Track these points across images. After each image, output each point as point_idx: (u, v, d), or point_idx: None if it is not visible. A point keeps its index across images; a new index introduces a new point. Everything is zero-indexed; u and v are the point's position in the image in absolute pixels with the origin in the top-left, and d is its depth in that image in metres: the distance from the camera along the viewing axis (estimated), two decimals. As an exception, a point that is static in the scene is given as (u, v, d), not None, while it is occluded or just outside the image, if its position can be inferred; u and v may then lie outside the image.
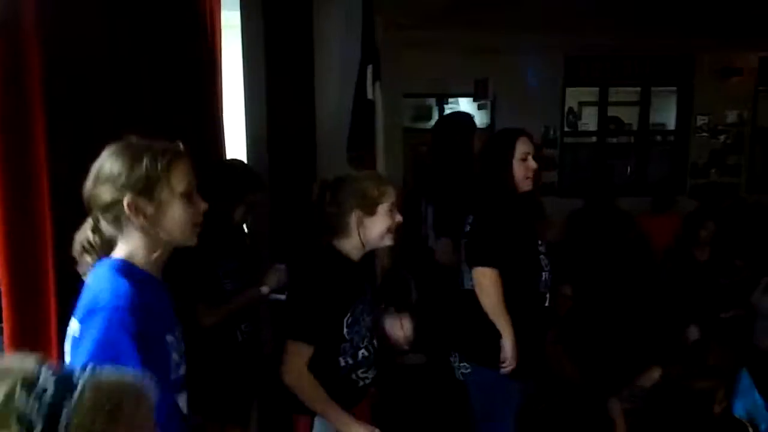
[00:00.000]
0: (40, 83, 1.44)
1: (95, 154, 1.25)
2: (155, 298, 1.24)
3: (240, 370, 2.29)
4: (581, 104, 7.50)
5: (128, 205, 1.20)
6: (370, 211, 1.80)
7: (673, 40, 6.27)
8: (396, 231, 1.87)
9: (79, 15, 1.62)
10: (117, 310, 1.12)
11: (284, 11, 3.03)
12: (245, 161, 2.88)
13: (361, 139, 3.07)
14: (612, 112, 7.29)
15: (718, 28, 5.60)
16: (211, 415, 2.17)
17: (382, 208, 1.81)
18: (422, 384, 3.30)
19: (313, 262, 1.87)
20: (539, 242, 2.30)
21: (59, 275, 1.36)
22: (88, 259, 1.25)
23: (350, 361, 1.83)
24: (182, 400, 1.32)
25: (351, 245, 1.83)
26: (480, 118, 6.77)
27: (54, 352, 1.39)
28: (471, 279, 2.25)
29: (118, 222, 1.23)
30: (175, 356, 1.26)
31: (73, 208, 1.27)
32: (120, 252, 1.25)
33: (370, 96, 3.06)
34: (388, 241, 1.86)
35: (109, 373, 0.76)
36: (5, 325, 1.38)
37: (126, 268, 1.22)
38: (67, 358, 1.18)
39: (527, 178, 2.29)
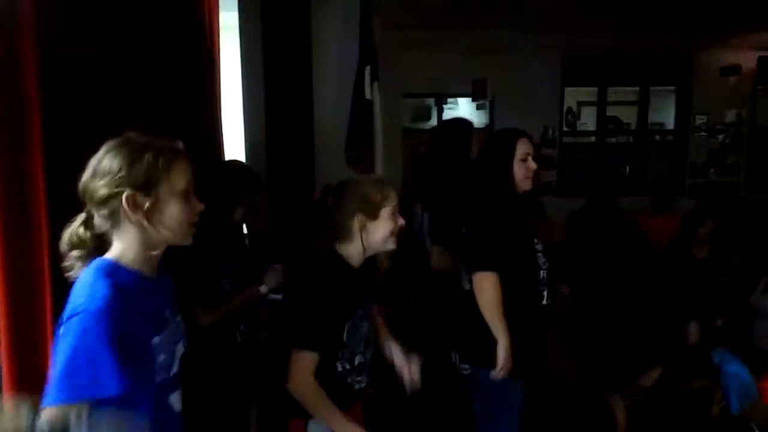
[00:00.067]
0: (36, 83, 1.44)
1: (91, 154, 1.24)
2: (142, 300, 1.22)
3: (239, 370, 2.29)
4: (580, 104, 7.51)
5: (127, 199, 1.20)
6: (373, 215, 1.79)
7: (671, 40, 6.28)
8: (398, 234, 1.87)
9: (75, 15, 1.62)
10: (93, 314, 1.11)
11: (282, 12, 3.03)
12: (244, 162, 2.89)
13: (359, 139, 3.07)
14: (611, 111, 7.30)
15: (717, 28, 5.61)
16: (211, 415, 2.17)
17: (385, 212, 1.80)
18: (421, 384, 3.29)
19: (314, 267, 1.85)
20: (535, 241, 2.30)
21: (55, 274, 1.36)
22: (75, 254, 1.23)
23: (347, 366, 1.83)
24: (175, 398, 1.32)
25: (353, 249, 1.82)
26: (479, 118, 6.79)
27: (49, 352, 1.38)
28: (469, 281, 2.25)
29: (113, 217, 1.22)
30: (163, 357, 1.24)
31: (69, 207, 1.26)
32: (112, 250, 1.25)
33: (368, 96, 3.07)
34: (390, 245, 1.85)
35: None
36: (1, 325, 1.38)
37: (111, 270, 1.21)
38: None
39: (527, 178, 2.29)
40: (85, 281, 1.19)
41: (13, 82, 1.38)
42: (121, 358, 1.11)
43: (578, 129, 7.42)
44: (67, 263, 1.23)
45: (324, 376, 1.75)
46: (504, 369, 2.15)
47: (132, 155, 1.22)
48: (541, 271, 2.25)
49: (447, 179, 2.86)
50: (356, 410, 1.90)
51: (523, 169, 2.27)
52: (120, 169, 1.20)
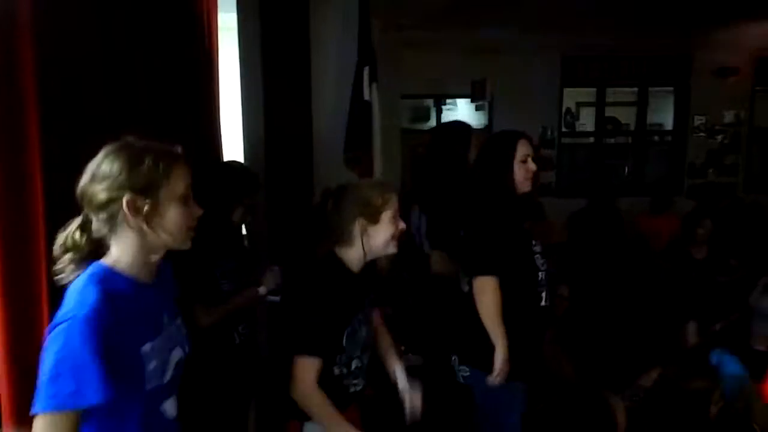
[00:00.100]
0: (34, 83, 1.43)
1: (90, 156, 1.24)
2: (135, 306, 1.22)
3: (237, 371, 2.29)
4: (579, 105, 7.52)
5: (127, 203, 1.19)
6: (374, 219, 1.78)
7: (670, 40, 6.29)
8: (399, 238, 1.86)
9: (74, 15, 1.62)
10: (80, 322, 1.11)
11: (281, 13, 3.03)
12: (243, 162, 2.89)
13: (357, 140, 3.07)
14: (609, 112, 7.31)
15: (715, 28, 5.62)
16: (209, 416, 2.17)
17: (386, 216, 1.79)
18: (421, 386, 3.30)
19: (314, 272, 1.84)
20: (534, 242, 2.30)
21: (52, 277, 1.36)
22: (67, 257, 1.22)
23: (344, 370, 1.82)
24: (169, 405, 1.31)
25: (354, 254, 1.81)
26: (478, 119, 6.80)
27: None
28: (468, 284, 2.25)
29: (112, 222, 1.22)
30: (154, 365, 1.23)
31: (67, 208, 1.26)
32: (108, 255, 1.24)
33: (366, 97, 3.07)
34: (391, 249, 1.84)
35: None
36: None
37: (104, 276, 1.20)
38: None
39: (527, 179, 2.29)
40: (76, 287, 1.18)
41: (11, 83, 1.38)
42: (107, 367, 1.10)
43: (577, 130, 7.43)
44: (58, 267, 1.22)
45: (320, 379, 1.74)
46: (501, 375, 2.15)
47: (132, 159, 1.21)
48: (540, 273, 2.25)
49: (445, 182, 2.86)
50: (352, 413, 1.90)
51: (523, 171, 2.27)
52: (120, 173, 1.20)
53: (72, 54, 1.61)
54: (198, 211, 1.32)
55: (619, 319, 3.62)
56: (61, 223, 1.26)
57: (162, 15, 2.14)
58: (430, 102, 7.18)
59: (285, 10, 3.04)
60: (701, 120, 7.08)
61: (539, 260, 2.28)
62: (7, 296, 1.37)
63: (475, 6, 4.76)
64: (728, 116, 7.11)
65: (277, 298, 2.33)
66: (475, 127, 3.17)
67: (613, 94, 7.22)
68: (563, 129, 7.10)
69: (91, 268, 1.21)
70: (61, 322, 1.13)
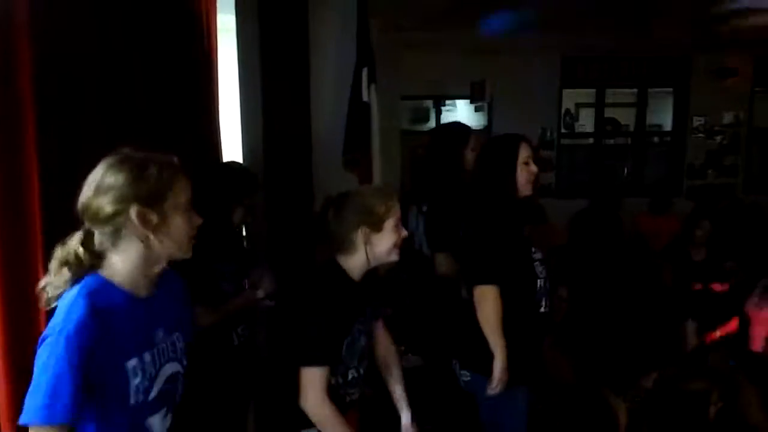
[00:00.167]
0: (31, 87, 1.43)
1: (88, 158, 1.24)
2: (125, 321, 1.21)
3: (236, 373, 2.29)
4: (578, 105, 7.52)
5: (137, 215, 1.20)
6: (377, 227, 1.77)
7: (669, 41, 6.29)
8: (402, 245, 1.84)
9: (72, 17, 1.62)
10: (64, 339, 1.11)
11: (279, 14, 3.03)
12: (242, 163, 2.88)
13: (356, 142, 3.07)
14: (609, 113, 7.31)
15: (715, 29, 5.61)
16: (208, 417, 2.17)
17: (389, 224, 1.78)
18: (420, 387, 3.30)
19: (315, 280, 1.84)
20: (533, 250, 2.30)
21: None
22: (65, 272, 1.21)
23: (340, 381, 1.82)
24: (156, 420, 1.30)
25: (356, 262, 1.80)
26: (477, 120, 6.80)
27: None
28: (467, 291, 2.25)
29: (116, 235, 1.21)
30: (138, 380, 1.22)
31: (64, 210, 1.26)
32: (106, 268, 1.23)
33: (365, 98, 3.07)
34: (394, 257, 1.83)
35: None
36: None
37: (96, 290, 1.19)
38: None
39: (529, 182, 2.29)
40: (67, 299, 1.18)
41: (8, 84, 1.38)
42: (81, 387, 1.11)
43: (576, 131, 7.43)
44: (56, 281, 1.21)
45: None
46: (500, 384, 2.15)
47: (137, 170, 1.21)
48: (539, 281, 2.25)
49: (443, 182, 2.87)
50: (350, 419, 1.89)
51: (525, 173, 2.27)
52: (126, 185, 1.20)
53: (70, 55, 1.61)
54: (198, 220, 1.32)
55: (618, 320, 3.62)
56: (59, 226, 1.26)
57: (161, 16, 2.14)
58: (429, 103, 7.18)
59: (283, 12, 3.04)
60: (700, 121, 7.08)
61: (539, 267, 2.27)
62: (5, 300, 1.37)
63: (474, 8, 4.76)
64: (727, 117, 7.12)
65: (271, 303, 2.33)
66: (474, 128, 3.17)
67: (612, 95, 7.23)
68: (563, 130, 7.10)
69: (85, 281, 1.21)
70: (48, 336, 1.14)
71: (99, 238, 1.22)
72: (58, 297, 1.20)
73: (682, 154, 7.18)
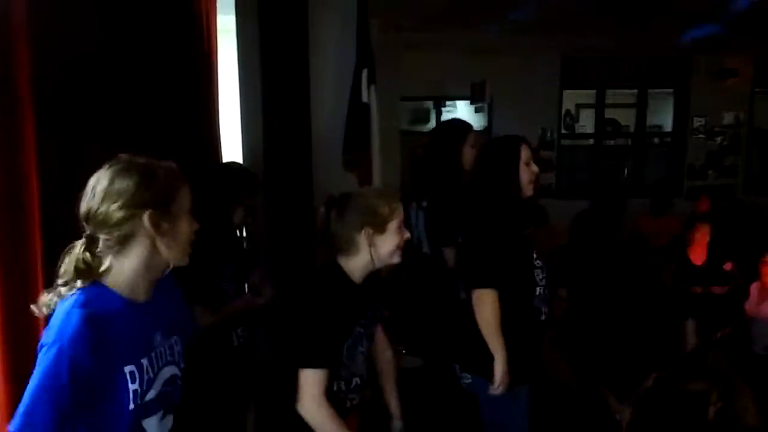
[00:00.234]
0: (30, 88, 1.43)
1: (87, 159, 1.25)
2: (122, 328, 1.21)
3: (236, 373, 2.29)
4: (578, 106, 7.52)
5: (150, 219, 1.20)
6: (381, 229, 1.75)
7: (669, 42, 6.29)
8: (404, 247, 1.83)
9: (71, 17, 1.62)
10: (56, 349, 1.11)
11: (279, 15, 3.04)
12: (241, 163, 2.89)
13: (356, 143, 3.07)
14: (609, 114, 7.31)
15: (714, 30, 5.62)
16: (207, 418, 2.17)
17: (392, 225, 1.77)
18: (419, 387, 3.30)
19: (316, 282, 1.83)
20: (535, 256, 2.29)
21: (48, 279, 1.36)
22: (79, 283, 1.20)
23: (343, 387, 1.80)
24: (152, 422, 1.30)
25: (358, 263, 1.78)
26: (477, 121, 6.79)
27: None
28: (465, 292, 2.25)
29: (124, 240, 1.22)
30: (136, 386, 1.23)
31: (64, 213, 1.26)
32: (107, 275, 1.23)
33: (365, 99, 3.07)
34: (396, 259, 1.81)
35: None
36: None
37: (92, 298, 1.19)
38: None
39: (531, 182, 2.29)
40: (63, 308, 1.18)
41: (7, 85, 1.38)
42: (71, 398, 1.11)
43: (577, 131, 7.43)
44: (63, 290, 1.20)
45: None
46: (502, 386, 2.15)
47: (146, 176, 1.22)
48: (538, 288, 2.25)
49: (442, 178, 2.88)
50: (350, 423, 1.89)
51: (527, 174, 2.27)
52: (137, 190, 1.20)
53: (69, 56, 1.61)
54: (196, 225, 1.33)
55: (618, 321, 3.63)
56: (58, 228, 1.26)
57: (161, 17, 2.14)
58: (429, 104, 7.18)
59: (283, 12, 3.04)
60: (701, 121, 7.08)
61: (539, 275, 2.27)
62: (4, 302, 1.37)
63: (474, 8, 4.76)
64: (728, 118, 7.12)
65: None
66: (475, 128, 3.18)
67: (612, 95, 7.23)
68: (563, 131, 7.11)
69: (83, 290, 1.20)
70: (41, 346, 1.14)
71: (105, 243, 1.22)
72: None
73: (683, 155, 7.17)
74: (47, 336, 1.15)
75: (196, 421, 1.95)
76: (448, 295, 2.53)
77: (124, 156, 1.25)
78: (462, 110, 7.21)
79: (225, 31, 2.95)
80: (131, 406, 1.22)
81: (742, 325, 3.68)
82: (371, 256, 1.76)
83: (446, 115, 7.11)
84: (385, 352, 2.06)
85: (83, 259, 1.21)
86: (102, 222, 1.20)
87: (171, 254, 1.27)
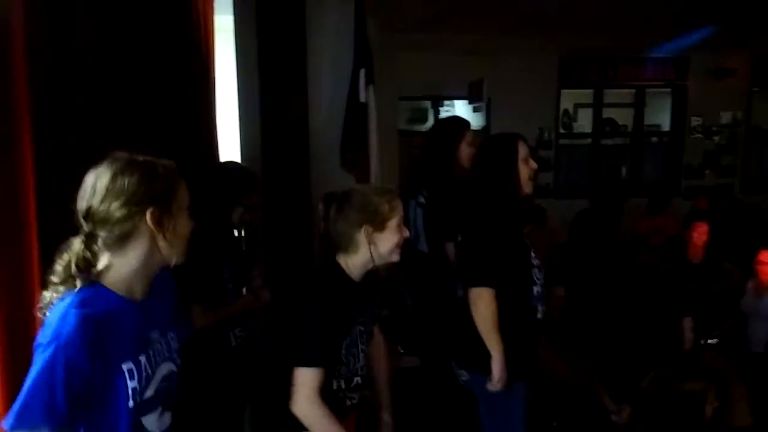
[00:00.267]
0: (26, 88, 1.42)
1: (85, 159, 1.24)
2: (120, 326, 1.21)
3: (233, 374, 2.29)
4: (576, 106, 7.53)
5: (152, 217, 1.21)
6: (380, 227, 1.74)
7: (667, 42, 6.30)
8: (403, 245, 1.82)
9: (68, 16, 1.61)
10: (55, 348, 1.11)
11: (277, 15, 3.03)
12: (239, 163, 2.89)
13: (353, 143, 3.08)
14: (607, 113, 7.31)
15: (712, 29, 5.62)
16: (205, 418, 2.17)
17: (392, 224, 1.76)
18: (417, 387, 3.31)
19: (315, 280, 1.83)
20: (532, 255, 2.30)
21: (44, 278, 1.36)
22: (79, 281, 1.20)
23: (343, 386, 1.79)
24: (151, 419, 1.30)
25: (357, 261, 1.77)
26: (475, 121, 6.80)
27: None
28: (463, 290, 2.25)
29: (124, 238, 1.22)
30: (135, 383, 1.23)
31: (61, 213, 1.25)
32: (102, 274, 1.23)
33: (362, 99, 3.07)
34: (395, 257, 1.80)
35: None
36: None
37: (89, 298, 1.19)
38: None
39: (530, 179, 2.29)
40: (57, 311, 1.17)
41: (2, 84, 1.38)
42: (67, 397, 1.11)
43: (574, 131, 7.43)
44: (61, 288, 1.20)
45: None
46: (500, 382, 2.16)
47: (147, 173, 1.22)
48: (535, 288, 2.25)
49: (439, 173, 2.88)
50: (349, 424, 1.88)
51: (526, 170, 2.27)
52: (140, 188, 1.20)
53: (66, 55, 1.60)
54: (192, 224, 1.33)
55: (616, 319, 3.63)
56: (54, 225, 1.26)
57: (158, 17, 2.14)
58: (427, 104, 7.18)
59: (281, 12, 3.04)
60: (698, 121, 7.09)
61: (536, 274, 2.27)
62: (1, 301, 1.36)
63: (471, 9, 4.77)
64: (725, 117, 7.13)
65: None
66: (472, 128, 3.18)
67: (610, 95, 7.24)
68: (561, 130, 7.11)
69: (80, 290, 1.20)
70: (38, 345, 1.14)
71: (104, 241, 1.22)
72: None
73: (680, 154, 7.19)
74: (43, 336, 1.15)
75: (195, 421, 1.95)
76: (446, 292, 2.54)
77: (121, 153, 1.25)
78: (460, 110, 7.20)
79: (222, 31, 2.94)
80: (131, 403, 1.22)
81: (739, 324, 3.69)
82: (371, 254, 1.75)
83: (444, 115, 7.12)
84: (378, 344, 2.06)
85: (83, 256, 1.21)
86: (103, 219, 1.20)
87: (171, 252, 1.27)
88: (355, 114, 3.08)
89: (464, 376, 2.35)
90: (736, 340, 3.66)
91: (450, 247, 2.77)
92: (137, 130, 1.90)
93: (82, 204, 1.21)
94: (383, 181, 3.40)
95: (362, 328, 1.83)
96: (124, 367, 1.22)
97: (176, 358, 1.39)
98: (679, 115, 7.20)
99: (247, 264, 2.46)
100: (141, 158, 1.25)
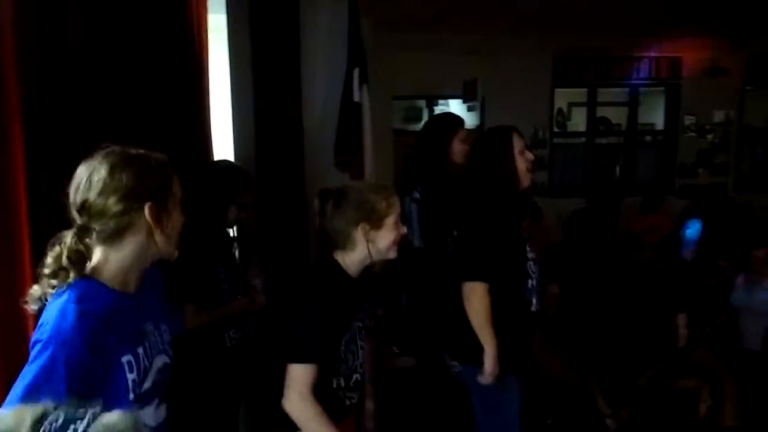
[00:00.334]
0: (17, 86, 1.41)
1: (76, 158, 1.23)
2: (116, 320, 1.21)
3: (228, 375, 2.29)
4: (570, 105, 7.54)
5: (150, 211, 1.21)
6: (378, 224, 1.74)
7: (660, 41, 6.32)
8: (400, 242, 1.82)
9: (60, 14, 1.60)
10: (54, 345, 1.10)
11: (270, 14, 3.03)
12: (232, 161, 2.88)
13: (347, 143, 3.07)
14: (601, 112, 7.33)
15: (705, 29, 5.65)
16: (199, 419, 2.17)
17: (389, 221, 1.76)
18: (412, 386, 3.31)
19: (312, 276, 1.82)
20: (528, 248, 2.30)
21: (36, 277, 1.35)
22: (72, 274, 1.19)
23: (342, 384, 1.78)
24: (148, 412, 1.29)
25: (354, 258, 1.77)
26: (469, 120, 6.80)
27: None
28: (458, 283, 2.25)
29: (120, 233, 1.21)
30: (134, 376, 1.23)
31: (52, 210, 1.25)
32: (95, 267, 1.22)
33: (357, 99, 3.07)
34: (392, 254, 1.80)
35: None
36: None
37: (85, 293, 1.18)
38: None
39: (528, 171, 2.28)
40: (56, 305, 1.16)
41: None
42: (82, 385, 1.11)
43: (568, 130, 7.45)
44: (54, 281, 1.18)
45: (318, 390, 1.68)
46: (491, 376, 2.16)
47: (144, 167, 1.22)
48: (530, 281, 2.25)
49: (432, 169, 2.89)
50: (348, 425, 1.88)
51: (523, 163, 2.27)
52: (135, 182, 1.20)
53: (58, 53, 1.59)
54: (184, 218, 1.33)
55: (611, 317, 3.64)
56: (45, 222, 1.25)
57: (151, 16, 2.13)
58: (422, 103, 7.18)
59: (274, 11, 3.04)
60: (691, 119, 7.11)
61: (532, 267, 2.28)
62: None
63: (466, 8, 4.77)
64: (718, 116, 7.15)
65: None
66: (467, 127, 3.19)
67: (604, 94, 7.25)
68: (555, 129, 7.12)
69: (74, 285, 1.19)
70: (36, 342, 1.13)
71: (99, 235, 1.21)
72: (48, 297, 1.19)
73: (674, 153, 7.20)
74: (41, 332, 1.14)
75: (189, 419, 1.95)
76: (440, 287, 2.54)
77: (114, 146, 1.24)
78: (454, 109, 7.18)
79: (216, 30, 2.94)
80: (131, 396, 1.22)
81: (730, 319, 3.70)
82: (368, 251, 1.75)
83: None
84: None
85: (75, 249, 1.20)
86: (99, 213, 1.19)
87: (164, 245, 1.27)
88: (349, 113, 3.08)
89: (457, 367, 2.35)
90: (728, 336, 3.68)
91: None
92: (130, 130, 1.89)
93: (76, 197, 1.20)
94: (378, 180, 3.40)
95: (360, 324, 1.82)
96: (123, 359, 1.21)
97: (169, 350, 1.39)
98: (672, 114, 7.21)
99: (242, 264, 2.46)
100: (135, 151, 1.25)
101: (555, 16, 5.10)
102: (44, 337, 1.12)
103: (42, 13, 1.52)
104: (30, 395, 1.09)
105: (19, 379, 1.11)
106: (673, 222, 5.35)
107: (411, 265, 2.98)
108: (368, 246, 1.74)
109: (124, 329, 1.23)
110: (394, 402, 3.24)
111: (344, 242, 1.76)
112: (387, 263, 1.88)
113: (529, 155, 2.29)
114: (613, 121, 7.50)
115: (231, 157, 3.08)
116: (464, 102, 6.61)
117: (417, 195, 2.96)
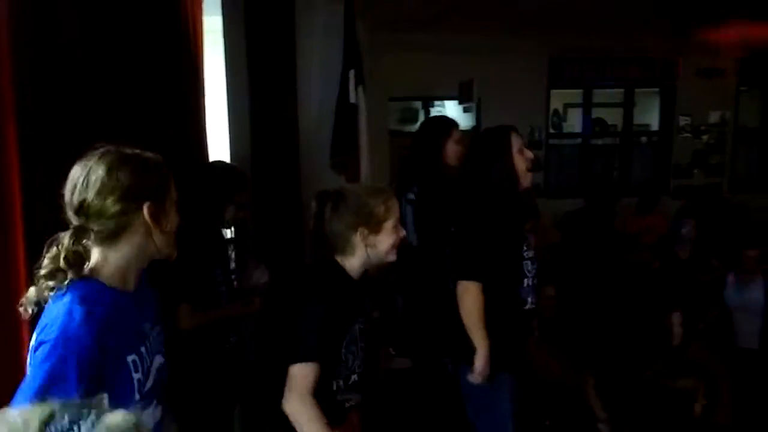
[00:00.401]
0: (11, 88, 1.41)
1: (72, 158, 1.22)
2: (119, 320, 1.20)
3: (223, 375, 2.28)
4: (566, 106, 7.55)
5: (149, 211, 1.21)
6: (376, 229, 1.73)
7: (656, 42, 6.34)
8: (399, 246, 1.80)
9: (55, 15, 1.60)
10: (63, 346, 1.09)
11: (266, 16, 3.03)
12: (227, 162, 2.87)
13: (343, 145, 3.07)
14: (596, 113, 7.35)
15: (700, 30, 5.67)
16: (195, 419, 2.16)
17: (388, 225, 1.75)
18: (408, 388, 3.31)
19: (315, 278, 1.81)
20: (525, 248, 2.29)
21: (31, 278, 1.34)
22: (70, 275, 1.17)
23: (342, 385, 1.77)
24: (148, 412, 1.29)
25: (355, 262, 1.76)
26: (465, 121, 6.81)
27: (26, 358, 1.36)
28: (454, 282, 2.25)
29: (118, 233, 1.21)
30: (139, 375, 1.22)
31: (46, 208, 1.25)
32: (94, 267, 1.22)
33: (352, 100, 3.07)
34: (391, 258, 1.79)
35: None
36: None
37: (87, 294, 1.17)
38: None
39: (528, 169, 2.28)
40: (60, 305, 1.15)
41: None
42: (91, 385, 1.09)
43: (564, 131, 7.46)
44: (51, 282, 1.17)
45: (318, 393, 1.66)
46: (480, 375, 2.16)
47: (141, 167, 1.22)
48: (526, 279, 2.25)
49: (427, 170, 2.89)
50: (352, 422, 1.87)
51: (522, 161, 2.26)
52: (133, 182, 1.20)
53: (53, 55, 1.59)
54: (179, 218, 1.33)
55: (607, 318, 3.65)
56: (40, 223, 1.24)
57: (147, 17, 2.13)
58: (418, 104, 7.18)
59: (270, 13, 3.03)
60: (687, 120, 7.13)
61: (528, 266, 2.27)
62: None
63: (462, 9, 4.78)
64: (713, 116, 7.17)
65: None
66: (462, 128, 3.19)
67: (599, 95, 7.27)
68: (551, 130, 7.13)
69: (75, 286, 1.18)
70: (42, 343, 1.11)
71: (97, 235, 1.20)
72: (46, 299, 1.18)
73: (669, 154, 7.22)
74: (46, 333, 1.12)
75: (184, 423, 1.94)
76: (435, 286, 2.53)
77: (109, 145, 1.23)
78: (450, 110, 7.21)
79: (211, 32, 2.93)
80: (137, 396, 1.21)
81: (722, 316, 3.72)
82: (367, 255, 1.75)
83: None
84: None
85: (73, 250, 1.18)
86: (97, 213, 1.19)
87: (162, 245, 1.27)
88: (345, 115, 3.08)
89: (450, 364, 2.36)
90: (722, 334, 3.69)
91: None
92: (125, 131, 1.88)
93: (73, 198, 1.19)
94: (374, 181, 3.40)
95: (361, 326, 1.81)
96: (129, 359, 1.21)
97: (164, 350, 1.39)
98: (667, 115, 7.24)
99: (239, 266, 2.45)
100: (131, 151, 1.24)
101: (551, 17, 5.11)
102: (50, 337, 1.11)
103: (37, 15, 1.52)
104: (41, 396, 1.07)
105: (27, 379, 1.10)
106: (669, 223, 5.37)
107: (406, 266, 2.98)
108: (367, 250, 1.74)
109: (126, 329, 1.23)
110: (390, 404, 3.24)
111: (343, 246, 1.75)
112: (382, 265, 1.87)
113: (529, 153, 2.28)
114: (609, 122, 7.52)
115: (227, 159, 3.08)
116: (460, 103, 6.61)
117: (412, 196, 2.96)
